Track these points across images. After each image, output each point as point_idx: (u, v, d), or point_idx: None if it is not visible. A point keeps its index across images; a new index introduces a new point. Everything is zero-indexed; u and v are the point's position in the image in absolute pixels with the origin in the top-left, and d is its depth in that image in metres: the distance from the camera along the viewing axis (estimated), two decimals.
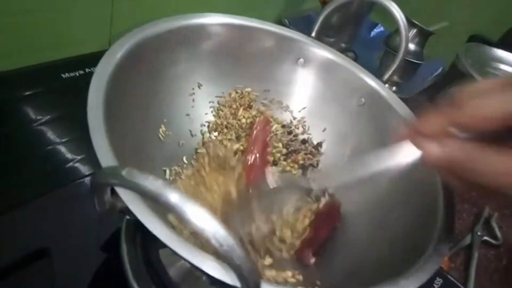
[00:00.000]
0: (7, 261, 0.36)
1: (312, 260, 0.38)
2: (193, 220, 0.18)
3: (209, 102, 0.48)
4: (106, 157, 0.25)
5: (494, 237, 0.58)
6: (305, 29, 0.50)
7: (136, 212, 0.23)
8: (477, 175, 0.24)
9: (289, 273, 0.37)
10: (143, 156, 0.38)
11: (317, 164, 0.48)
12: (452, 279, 0.47)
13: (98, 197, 0.22)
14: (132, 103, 0.36)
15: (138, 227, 0.37)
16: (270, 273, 0.36)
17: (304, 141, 0.49)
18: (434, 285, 0.45)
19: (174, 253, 0.22)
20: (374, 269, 0.35)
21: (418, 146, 0.27)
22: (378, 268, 0.35)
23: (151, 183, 0.18)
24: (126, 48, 0.35)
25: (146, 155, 0.39)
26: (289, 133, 0.49)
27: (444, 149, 0.25)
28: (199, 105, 0.47)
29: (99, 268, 0.39)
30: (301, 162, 0.47)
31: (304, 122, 0.50)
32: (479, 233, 0.58)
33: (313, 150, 0.48)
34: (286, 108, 0.51)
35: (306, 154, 0.48)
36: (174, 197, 0.18)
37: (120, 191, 0.23)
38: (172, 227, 0.24)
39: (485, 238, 0.58)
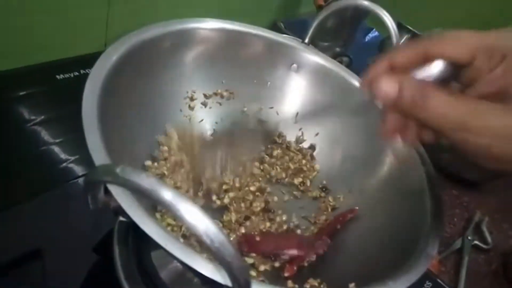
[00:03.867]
0: (0, 262, 0.36)
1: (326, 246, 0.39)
2: (185, 217, 0.18)
3: (203, 106, 0.48)
4: (100, 156, 0.26)
5: (485, 241, 0.59)
6: (301, 33, 0.51)
7: (127, 210, 0.23)
8: (426, 112, 0.24)
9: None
10: (137, 156, 0.38)
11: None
12: (441, 282, 0.47)
13: (92, 195, 0.22)
14: (126, 105, 0.37)
15: (130, 229, 0.38)
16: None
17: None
18: None
19: (165, 251, 0.23)
20: (363, 271, 0.36)
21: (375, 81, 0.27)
22: (367, 269, 0.36)
23: (145, 180, 0.18)
24: (121, 51, 0.36)
25: (140, 156, 0.39)
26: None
27: (399, 83, 0.25)
28: (194, 109, 0.47)
29: (91, 269, 0.39)
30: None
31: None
32: (469, 238, 0.58)
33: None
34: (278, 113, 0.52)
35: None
36: (167, 194, 0.18)
37: (113, 189, 0.23)
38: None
39: (476, 242, 0.58)
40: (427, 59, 0.27)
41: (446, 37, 0.27)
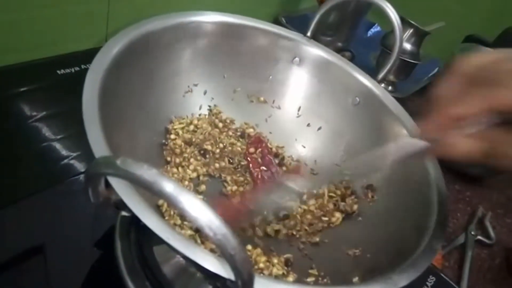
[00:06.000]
0: (2, 258, 0.36)
1: None
2: (187, 209, 0.18)
3: (205, 100, 0.48)
4: (100, 149, 0.25)
5: (488, 236, 0.59)
6: (302, 28, 0.50)
7: (128, 203, 0.23)
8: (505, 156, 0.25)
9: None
10: (138, 150, 0.38)
11: None
12: (445, 277, 0.47)
13: (93, 188, 0.22)
14: (127, 99, 0.36)
15: (132, 223, 0.37)
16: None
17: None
18: (427, 283, 0.45)
19: (167, 244, 0.22)
20: (367, 265, 0.36)
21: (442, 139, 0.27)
22: (371, 263, 0.35)
23: (146, 172, 0.18)
24: (122, 45, 0.35)
25: (140, 149, 0.39)
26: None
27: (470, 139, 0.25)
28: (195, 103, 0.47)
29: (93, 265, 0.38)
30: None
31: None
32: (473, 233, 0.58)
33: None
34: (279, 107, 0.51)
35: None
36: (168, 186, 0.18)
37: (114, 182, 0.23)
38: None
39: (479, 237, 0.58)
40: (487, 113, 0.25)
41: (497, 88, 0.24)
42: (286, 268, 0.36)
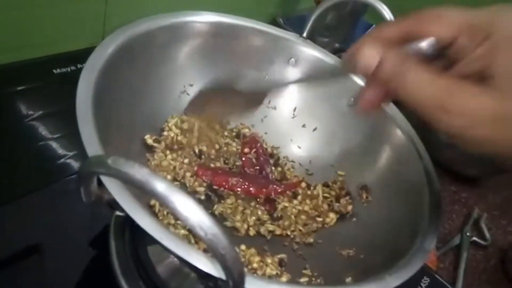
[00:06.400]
0: None
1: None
2: (178, 209, 0.18)
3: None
4: (93, 148, 0.25)
5: (483, 237, 0.59)
6: (300, 29, 0.50)
7: (121, 202, 0.23)
8: (405, 86, 0.24)
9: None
10: (132, 150, 0.38)
11: None
12: (440, 278, 0.47)
13: (85, 187, 0.22)
14: (122, 98, 0.36)
15: (127, 223, 0.38)
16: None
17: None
18: (422, 284, 0.45)
19: (159, 244, 0.22)
20: (360, 265, 0.36)
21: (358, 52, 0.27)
22: (364, 263, 0.36)
23: (137, 171, 0.18)
24: (117, 44, 0.35)
25: (135, 149, 0.39)
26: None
27: (381, 55, 0.25)
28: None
29: (88, 264, 0.39)
30: None
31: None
32: (468, 234, 0.58)
33: None
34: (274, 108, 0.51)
35: None
36: (160, 185, 0.18)
37: (106, 181, 0.23)
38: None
39: (474, 238, 0.58)
40: (412, 36, 0.26)
41: (430, 14, 0.26)
42: (280, 268, 0.36)
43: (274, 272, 0.36)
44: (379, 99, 0.27)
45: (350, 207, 0.43)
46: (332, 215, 0.43)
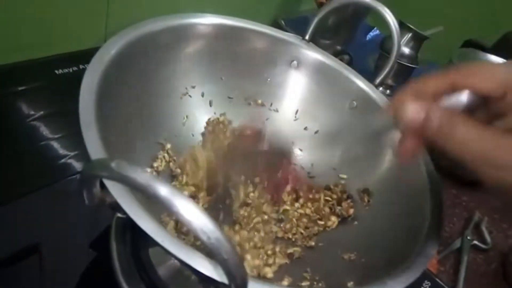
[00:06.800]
0: None
1: None
2: (181, 213, 0.18)
3: (202, 102, 0.48)
4: (96, 151, 0.25)
5: (484, 241, 0.59)
6: (302, 31, 0.50)
7: (123, 205, 0.23)
8: (452, 141, 0.24)
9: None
10: (135, 152, 0.38)
11: None
12: (440, 282, 0.47)
13: (87, 190, 0.22)
14: (124, 100, 0.36)
15: (128, 225, 0.37)
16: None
17: None
18: (422, 287, 0.45)
19: (161, 247, 0.22)
20: (362, 269, 0.36)
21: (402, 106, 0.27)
22: (366, 268, 0.35)
23: (140, 175, 0.18)
24: (120, 46, 0.35)
25: (137, 151, 0.39)
26: None
27: (427, 110, 0.25)
28: (193, 105, 0.47)
29: (88, 265, 0.38)
30: None
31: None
32: (469, 237, 0.58)
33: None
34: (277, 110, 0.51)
35: None
36: (163, 190, 0.18)
37: (109, 184, 0.23)
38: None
39: (475, 242, 0.58)
40: (455, 89, 0.26)
41: (476, 69, 0.26)
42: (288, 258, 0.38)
43: (283, 262, 0.37)
44: (418, 148, 0.28)
45: (351, 211, 0.43)
46: (333, 219, 0.43)
